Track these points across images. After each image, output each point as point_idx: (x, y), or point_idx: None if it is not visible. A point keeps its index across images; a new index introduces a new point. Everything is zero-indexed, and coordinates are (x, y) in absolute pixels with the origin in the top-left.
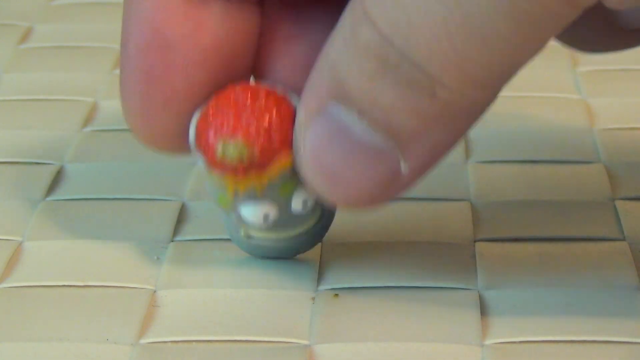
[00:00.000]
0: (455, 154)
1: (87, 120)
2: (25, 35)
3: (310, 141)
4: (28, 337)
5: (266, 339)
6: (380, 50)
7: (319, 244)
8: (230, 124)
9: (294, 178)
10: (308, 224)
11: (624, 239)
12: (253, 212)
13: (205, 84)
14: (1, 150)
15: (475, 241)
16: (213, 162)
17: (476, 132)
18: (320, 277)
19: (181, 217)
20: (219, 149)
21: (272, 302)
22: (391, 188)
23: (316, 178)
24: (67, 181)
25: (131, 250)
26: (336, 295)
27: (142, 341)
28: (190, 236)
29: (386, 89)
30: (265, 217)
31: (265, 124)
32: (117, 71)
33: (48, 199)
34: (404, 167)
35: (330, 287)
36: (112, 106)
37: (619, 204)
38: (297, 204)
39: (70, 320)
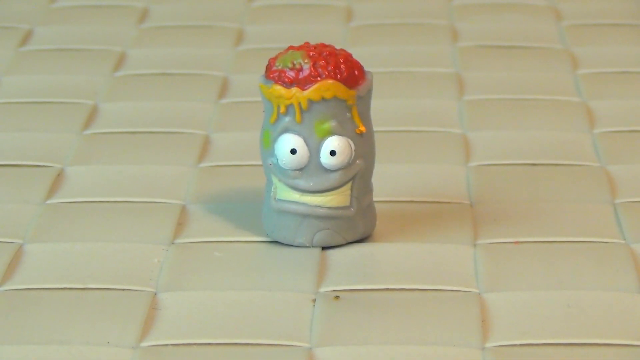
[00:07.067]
0: (456, 156)
1: (88, 123)
2: (26, 38)
3: None
4: (29, 340)
5: (267, 342)
6: None
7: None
8: (293, 49)
9: (331, 119)
10: (336, 195)
11: (624, 240)
12: (284, 144)
13: None
14: (1, 152)
15: (475, 242)
16: (269, 74)
17: (477, 134)
18: (320, 279)
19: (181, 220)
20: (277, 61)
21: (272, 304)
22: None
23: None
24: (68, 184)
25: (131, 253)
26: (337, 297)
27: (143, 344)
28: (190, 239)
29: None
30: (293, 150)
31: (326, 52)
32: (118, 74)
33: (48, 201)
34: None
35: (330, 288)
36: (112, 109)
37: (619, 205)
38: (325, 155)
39: (71, 323)
